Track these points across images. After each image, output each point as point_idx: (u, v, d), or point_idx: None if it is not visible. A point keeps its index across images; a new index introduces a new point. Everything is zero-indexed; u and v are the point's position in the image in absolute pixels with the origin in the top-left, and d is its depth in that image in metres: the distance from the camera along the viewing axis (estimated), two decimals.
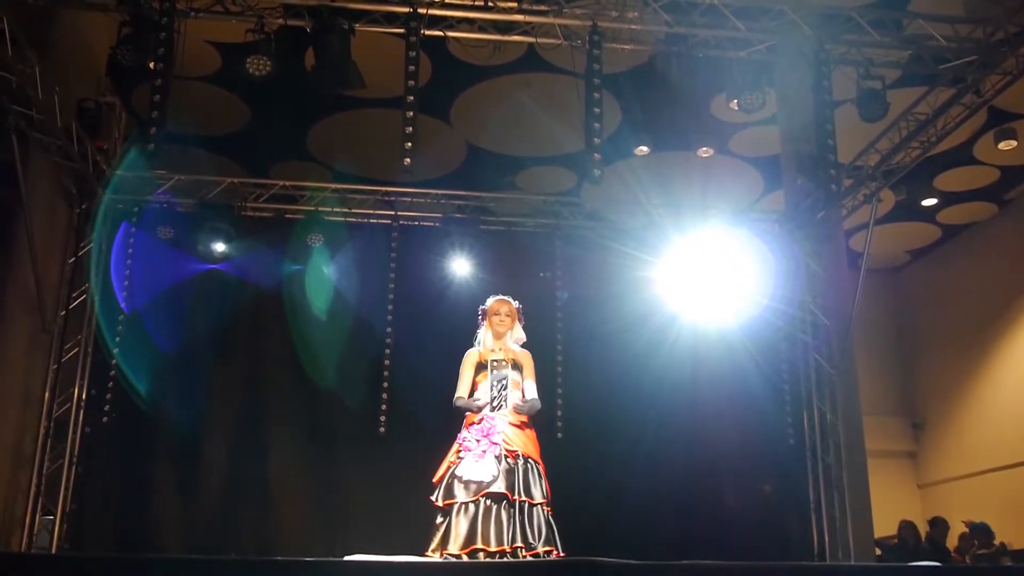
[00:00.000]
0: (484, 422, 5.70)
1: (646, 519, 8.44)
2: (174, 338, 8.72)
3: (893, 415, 13.94)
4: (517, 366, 5.94)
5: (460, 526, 5.43)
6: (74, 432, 8.43)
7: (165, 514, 8.46)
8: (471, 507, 5.47)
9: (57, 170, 8.31)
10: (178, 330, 8.76)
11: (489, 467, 5.51)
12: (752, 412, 9.04)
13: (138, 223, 8.97)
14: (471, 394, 5.91)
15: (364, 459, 8.68)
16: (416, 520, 8.23)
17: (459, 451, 5.68)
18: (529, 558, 5.30)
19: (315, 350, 8.76)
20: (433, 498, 5.63)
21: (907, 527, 9.71)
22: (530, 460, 5.66)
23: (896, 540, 9.66)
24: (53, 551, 8.01)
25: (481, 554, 5.32)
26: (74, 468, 8.38)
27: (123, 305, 8.75)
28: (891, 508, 10.85)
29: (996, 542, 9.72)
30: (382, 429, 8.69)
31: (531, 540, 5.40)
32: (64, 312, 8.49)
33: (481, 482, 5.49)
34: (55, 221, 8.51)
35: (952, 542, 10.10)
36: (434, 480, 5.71)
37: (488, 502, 5.47)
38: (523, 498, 5.50)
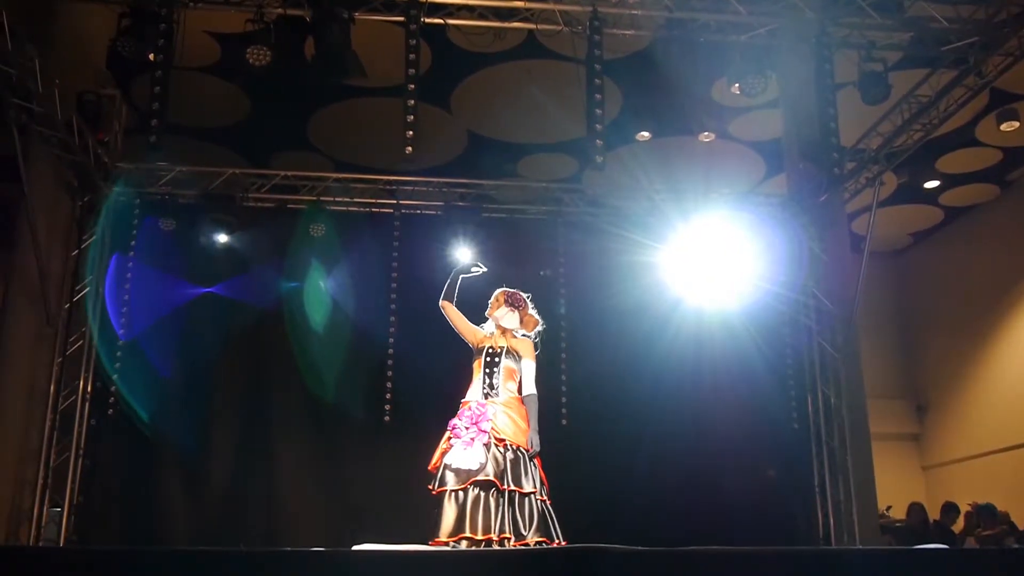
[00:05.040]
0: (475, 409, 5.68)
1: (651, 505, 8.45)
2: (177, 345, 8.78)
3: (897, 398, 13.96)
4: (514, 355, 5.92)
5: (448, 513, 5.41)
6: (80, 425, 8.42)
7: (172, 506, 8.49)
8: (460, 495, 5.45)
9: (58, 163, 8.29)
10: (181, 340, 8.81)
11: (477, 455, 5.48)
12: (756, 397, 9.04)
13: (140, 215, 8.97)
14: (469, 385, 5.90)
15: (370, 449, 8.70)
16: (423, 509, 8.28)
17: (450, 438, 5.66)
18: (520, 547, 5.29)
19: (320, 341, 8.77)
20: (430, 486, 5.62)
21: (915, 510, 9.72)
22: (520, 450, 5.60)
23: (903, 522, 9.68)
24: (61, 544, 8.04)
25: (465, 542, 5.30)
26: (80, 461, 8.38)
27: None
28: (896, 491, 10.88)
29: (1002, 523, 9.74)
30: (387, 418, 8.71)
31: (522, 530, 5.37)
32: (68, 305, 8.49)
33: (469, 470, 5.46)
34: (57, 214, 8.50)
35: (958, 525, 10.12)
36: (430, 467, 5.70)
37: (476, 490, 5.43)
38: (512, 487, 5.47)
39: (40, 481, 8.06)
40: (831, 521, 8.78)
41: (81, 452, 8.40)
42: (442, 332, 8.77)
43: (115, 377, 8.50)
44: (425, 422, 8.29)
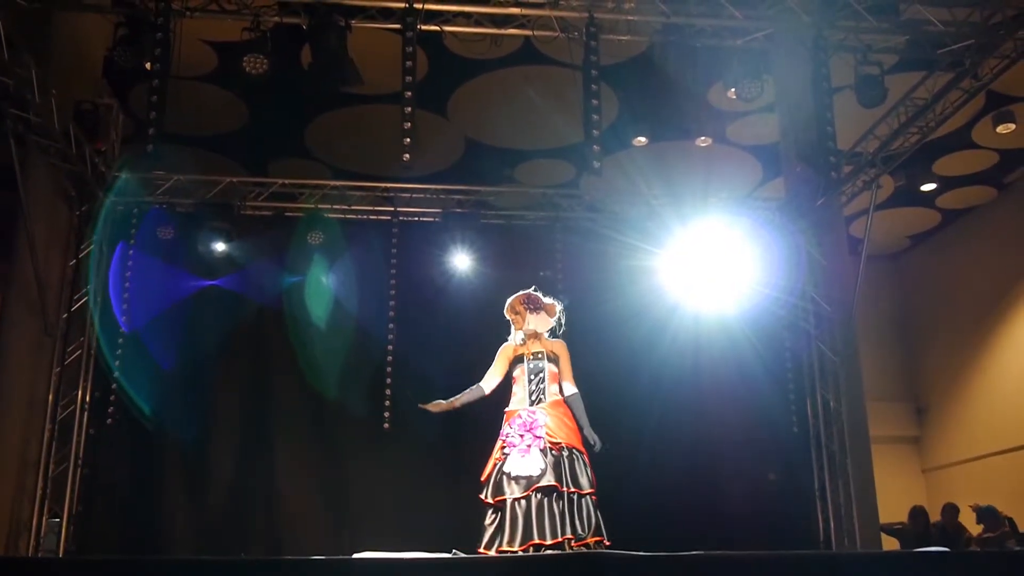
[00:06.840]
0: (526, 417, 5.71)
1: (650, 510, 8.41)
2: (177, 343, 8.75)
3: (897, 400, 13.95)
4: (553, 358, 5.95)
5: (516, 523, 5.45)
6: (78, 435, 8.41)
7: (172, 515, 8.47)
8: (523, 503, 5.49)
9: (56, 173, 8.29)
10: (181, 338, 8.78)
11: (536, 461, 5.54)
12: (755, 401, 9.04)
13: (137, 224, 8.96)
14: (511, 388, 5.93)
15: (369, 456, 8.69)
16: (423, 516, 8.27)
17: (503, 447, 5.69)
18: (580, 548, 5.32)
19: (318, 349, 8.76)
20: (482, 496, 5.65)
21: (917, 513, 9.70)
22: (575, 450, 5.69)
23: (905, 525, 9.66)
24: (60, 554, 8.02)
25: (532, 549, 5.34)
26: (79, 471, 8.37)
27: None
28: (896, 494, 10.86)
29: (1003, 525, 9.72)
30: (386, 425, 8.69)
31: (580, 531, 5.43)
32: (66, 315, 8.47)
33: (530, 477, 5.52)
34: (55, 224, 8.49)
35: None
36: (482, 478, 5.73)
37: (540, 496, 5.50)
38: (572, 489, 5.54)
39: (39, 491, 8.04)
40: (831, 525, 8.77)
41: (80, 462, 8.38)
42: (441, 338, 8.81)
43: (116, 375, 8.48)
44: (424, 428, 8.31)
